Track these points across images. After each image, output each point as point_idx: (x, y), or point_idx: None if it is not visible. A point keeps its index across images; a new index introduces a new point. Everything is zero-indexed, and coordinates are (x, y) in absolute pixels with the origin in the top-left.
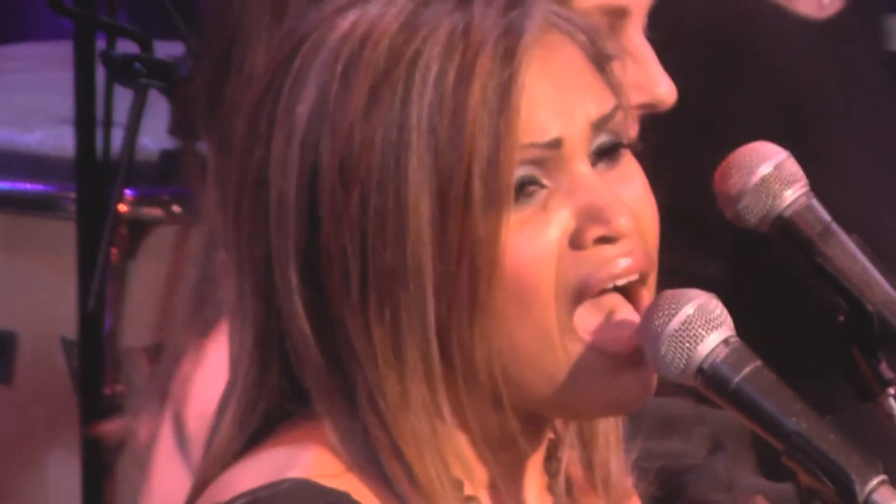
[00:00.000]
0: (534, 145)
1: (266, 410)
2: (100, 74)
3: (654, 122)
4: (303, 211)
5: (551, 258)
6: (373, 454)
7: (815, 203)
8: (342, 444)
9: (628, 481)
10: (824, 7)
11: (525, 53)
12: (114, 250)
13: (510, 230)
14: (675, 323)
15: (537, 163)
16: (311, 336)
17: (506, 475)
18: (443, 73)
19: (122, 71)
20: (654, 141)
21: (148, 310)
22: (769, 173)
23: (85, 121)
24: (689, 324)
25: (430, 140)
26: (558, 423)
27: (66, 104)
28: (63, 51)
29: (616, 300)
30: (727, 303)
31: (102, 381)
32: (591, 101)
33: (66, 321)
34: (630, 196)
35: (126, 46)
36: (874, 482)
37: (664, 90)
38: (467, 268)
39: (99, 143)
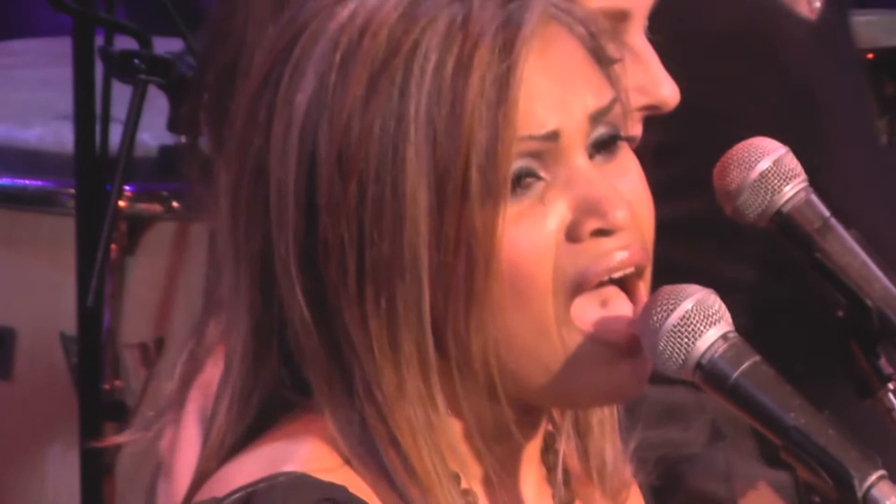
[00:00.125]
0: (531, 138)
1: (262, 399)
2: (99, 70)
3: (684, 123)
4: (301, 200)
5: (548, 250)
6: (371, 444)
7: (814, 198)
8: (341, 434)
9: (627, 471)
10: (813, 9)
11: (524, 46)
12: (113, 246)
13: (507, 222)
14: (674, 318)
15: (535, 155)
16: (311, 325)
17: (503, 467)
18: (441, 63)
19: (120, 67)
20: (685, 141)
21: (147, 305)
22: (768, 168)
23: (84, 117)
24: (688, 319)
25: (427, 131)
26: (556, 415)
27: (65, 100)
28: (62, 47)
29: (612, 291)
30: (759, 303)
31: (101, 376)
32: (590, 94)
33: (65, 317)
34: (626, 188)
35: (125, 43)
36: (873, 477)
37: (667, 92)
38: (464, 259)
39: (98, 139)
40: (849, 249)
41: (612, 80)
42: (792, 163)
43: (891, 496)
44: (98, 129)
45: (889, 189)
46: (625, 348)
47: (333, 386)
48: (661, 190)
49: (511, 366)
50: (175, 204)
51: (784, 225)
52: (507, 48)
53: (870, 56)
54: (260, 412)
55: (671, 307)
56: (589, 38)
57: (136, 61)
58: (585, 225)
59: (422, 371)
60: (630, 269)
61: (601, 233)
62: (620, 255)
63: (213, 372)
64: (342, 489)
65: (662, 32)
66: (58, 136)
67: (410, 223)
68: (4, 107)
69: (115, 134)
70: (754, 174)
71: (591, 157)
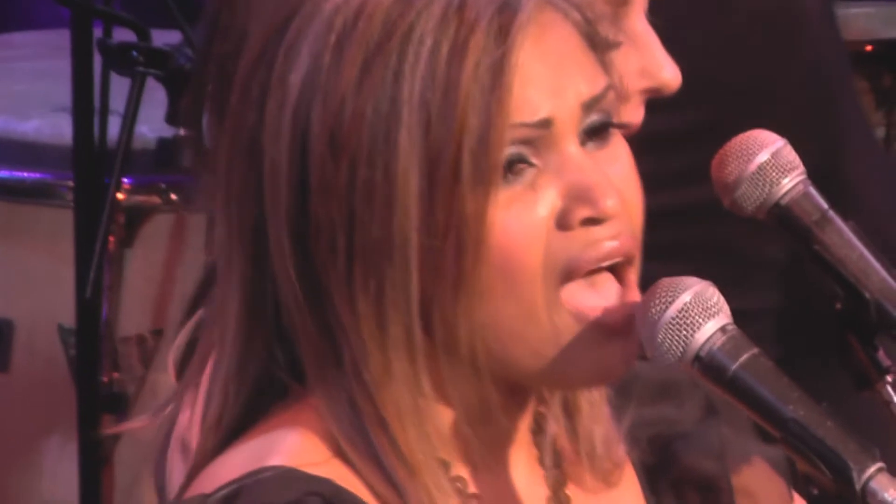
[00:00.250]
0: (524, 125)
1: (257, 376)
2: (97, 63)
3: (715, 102)
4: (294, 180)
5: (538, 237)
6: (361, 426)
7: (812, 190)
8: (331, 415)
9: (619, 451)
10: None
11: (519, 32)
12: (111, 238)
13: (498, 207)
14: (673, 310)
15: (527, 142)
16: (303, 303)
17: (491, 451)
18: (436, 48)
19: (119, 59)
20: (718, 120)
21: (145, 298)
22: (766, 161)
23: (82, 109)
24: (687, 311)
25: (421, 115)
26: (546, 396)
27: (63, 92)
28: (60, 39)
29: (601, 276)
30: (787, 285)
31: (99, 368)
32: (583, 81)
33: (64, 309)
34: (617, 176)
35: (123, 35)
36: (871, 469)
37: (668, 74)
38: (453, 243)
39: (96, 132)
40: (847, 242)
41: (606, 66)
42: (790, 155)
43: (889, 488)
44: (96, 121)
45: (889, 174)
46: (614, 328)
47: (324, 365)
48: (698, 170)
49: (498, 350)
50: (173, 196)
51: (782, 217)
52: (503, 34)
53: (868, 48)
54: (255, 389)
55: (670, 299)
56: (584, 24)
57: (135, 53)
58: (576, 213)
59: (408, 353)
60: (619, 259)
61: (591, 221)
62: (610, 245)
63: None
64: (329, 482)
65: (696, 14)
66: (56, 128)
67: (401, 206)
68: (3, 99)
69: (114, 126)
70: (753, 166)
71: (582, 143)
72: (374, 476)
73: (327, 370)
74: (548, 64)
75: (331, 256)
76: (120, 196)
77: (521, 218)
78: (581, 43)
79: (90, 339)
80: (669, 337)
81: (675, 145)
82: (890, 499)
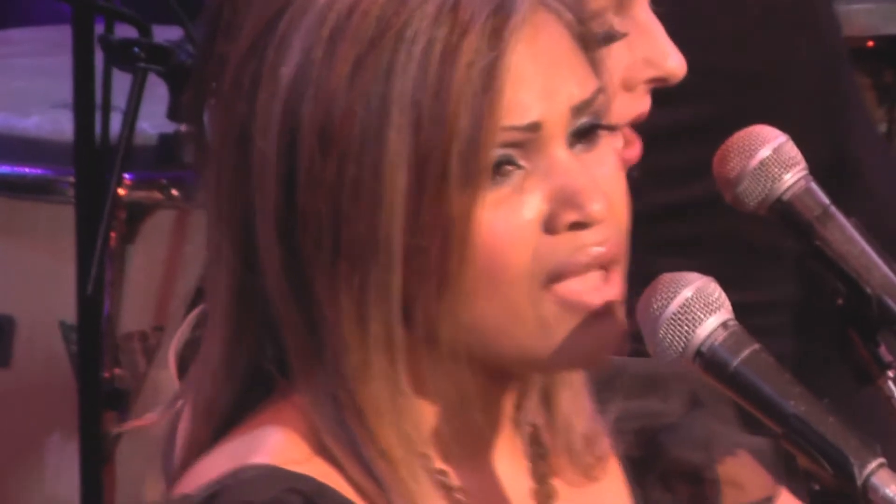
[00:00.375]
0: (513, 128)
1: (246, 365)
2: (98, 59)
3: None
4: (282, 173)
5: (524, 239)
6: (341, 419)
7: (814, 186)
8: (314, 408)
9: (603, 444)
10: None
11: (513, 35)
12: (112, 234)
13: (485, 209)
14: (674, 306)
15: (515, 144)
16: (289, 294)
17: (474, 444)
18: (429, 47)
19: (120, 55)
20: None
21: (147, 294)
22: (768, 156)
23: (83, 105)
24: (688, 307)
25: (411, 115)
26: (528, 388)
27: (64, 88)
28: (62, 35)
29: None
30: (801, 278)
31: (101, 365)
32: (575, 84)
33: (65, 305)
34: (603, 179)
35: (124, 31)
36: (872, 465)
37: (674, 63)
38: (439, 244)
39: (97, 128)
40: (848, 237)
41: (597, 67)
42: (792, 151)
43: (890, 484)
44: (98, 117)
45: (893, 168)
46: (598, 311)
47: (308, 359)
48: (708, 164)
49: (481, 346)
50: (174, 192)
51: (784, 213)
52: (497, 35)
53: (870, 44)
54: (244, 380)
55: (671, 295)
56: (576, 24)
57: (136, 49)
58: (563, 217)
59: (388, 351)
60: (605, 262)
61: (578, 225)
62: (597, 251)
63: None
64: (310, 480)
65: (707, 7)
66: (57, 124)
67: (387, 205)
68: (4, 95)
69: (115, 122)
70: (754, 162)
71: (570, 146)
72: (356, 471)
73: (311, 364)
74: (539, 66)
75: (316, 251)
76: (121, 192)
77: (507, 220)
78: (573, 44)
79: (92, 336)
80: (671, 332)
81: (690, 137)
82: (891, 494)
